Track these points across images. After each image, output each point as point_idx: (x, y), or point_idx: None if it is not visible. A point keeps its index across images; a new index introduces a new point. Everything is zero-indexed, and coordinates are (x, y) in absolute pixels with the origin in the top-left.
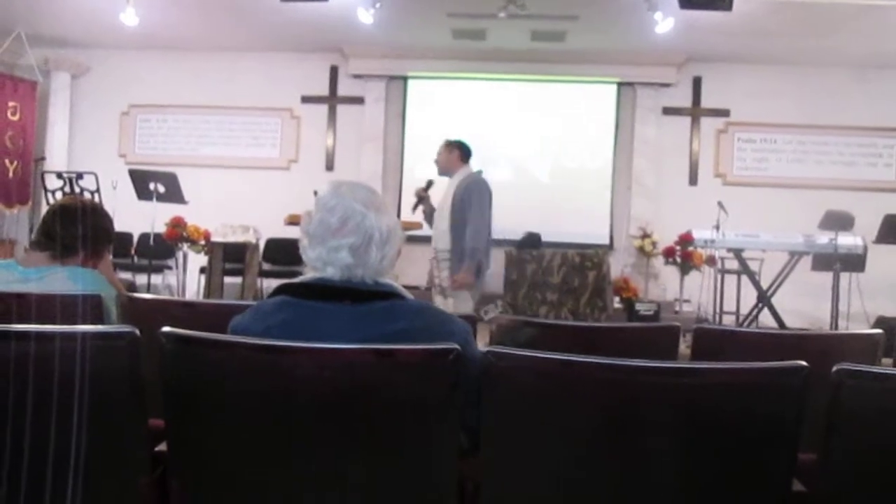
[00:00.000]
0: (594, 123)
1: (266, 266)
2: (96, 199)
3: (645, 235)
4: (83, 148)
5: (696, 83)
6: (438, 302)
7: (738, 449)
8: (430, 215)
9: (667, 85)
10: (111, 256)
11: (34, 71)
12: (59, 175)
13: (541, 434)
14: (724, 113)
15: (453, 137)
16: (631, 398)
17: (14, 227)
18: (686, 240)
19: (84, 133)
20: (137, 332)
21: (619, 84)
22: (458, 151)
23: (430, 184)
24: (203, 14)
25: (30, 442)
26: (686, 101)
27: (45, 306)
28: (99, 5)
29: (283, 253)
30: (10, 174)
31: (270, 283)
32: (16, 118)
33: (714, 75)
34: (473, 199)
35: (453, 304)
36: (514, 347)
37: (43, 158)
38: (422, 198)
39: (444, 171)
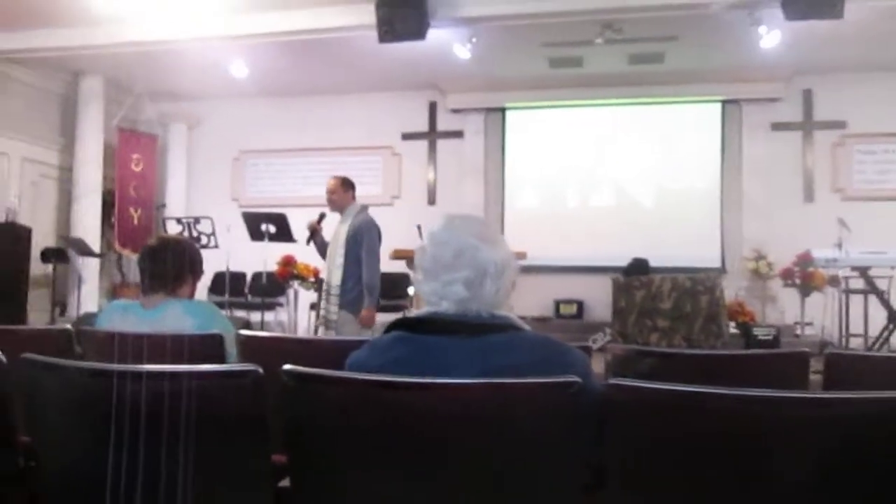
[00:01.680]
0: (698, 143)
1: None
2: (212, 241)
3: (759, 257)
4: (199, 193)
5: (807, 96)
6: (321, 334)
7: (885, 487)
8: (322, 248)
9: (775, 100)
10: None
11: (154, 124)
12: (179, 220)
13: (667, 468)
14: (839, 125)
15: (341, 174)
16: (767, 431)
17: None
18: (805, 260)
19: (199, 179)
20: (260, 370)
21: (724, 102)
22: (351, 190)
23: (322, 216)
24: (305, 60)
25: (157, 478)
26: (796, 116)
27: (170, 345)
28: (210, 60)
29: (389, 287)
30: (135, 221)
31: (379, 317)
32: (139, 169)
33: (826, 87)
34: (365, 237)
35: (344, 333)
36: (634, 379)
37: (164, 205)
38: (315, 231)
39: (338, 207)
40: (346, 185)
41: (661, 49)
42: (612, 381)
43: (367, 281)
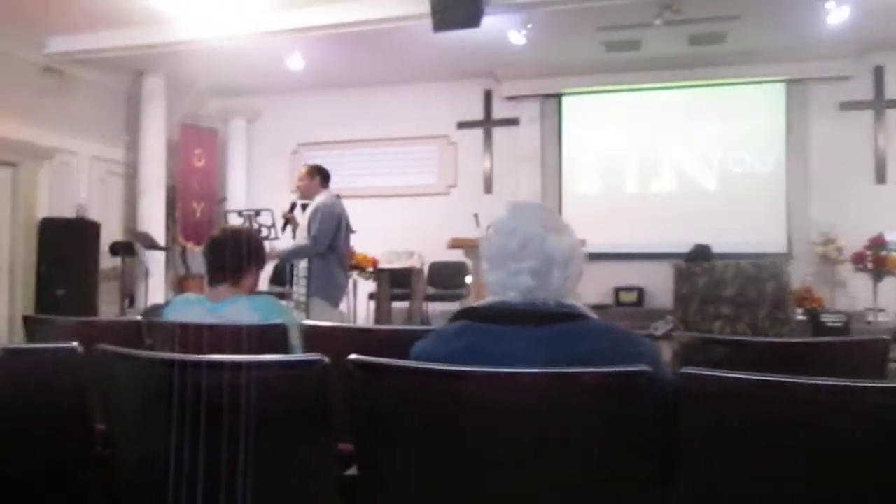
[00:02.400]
0: (762, 125)
1: (431, 290)
2: (272, 233)
3: (828, 241)
4: (259, 186)
5: (878, 73)
6: (295, 315)
7: None
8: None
9: (844, 78)
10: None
11: (214, 120)
12: (240, 213)
13: (742, 460)
14: None
15: (312, 163)
16: (850, 422)
17: (203, 263)
18: (878, 243)
19: (259, 173)
20: (326, 359)
21: (788, 82)
22: (318, 177)
23: (293, 206)
24: (360, 52)
25: (228, 466)
26: (867, 94)
27: (235, 336)
28: (268, 55)
29: (446, 276)
30: (198, 215)
31: (435, 307)
32: (200, 164)
33: None
34: (317, 218)
35: (313, 318)
36: (706, 368)
37: (225, 199)
38: (288, 219)
39: (305, 195)
40: (313, 172)
41: (722, 29)
42: (685, 370)
43: (294, 246)
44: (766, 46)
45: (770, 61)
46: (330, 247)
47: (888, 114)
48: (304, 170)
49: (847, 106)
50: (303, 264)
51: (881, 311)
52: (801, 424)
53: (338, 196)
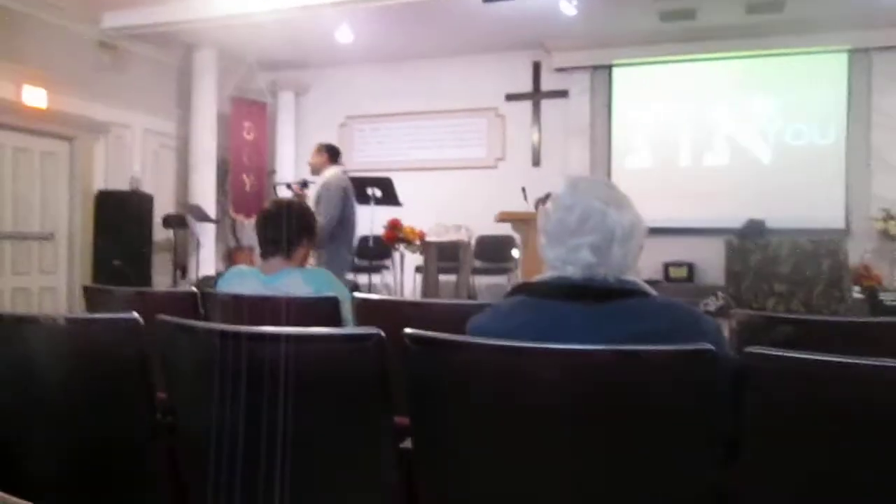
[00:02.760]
0: (822, 97)
1: (478, 263)
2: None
3: (889, 217)
4: (307, 159)
5: None
6: None
7: None
8: None
9: None
10: None
11: (264, 93)
12: (289, 186)
13: (808, 443)
14: None
15: (325, 141)
16: None
17: (253, 235)
18: None
19: (308, 146)
20: (382, 333)
21: (851, 51)
22: (326, 154)
23: (305, 183)
24: (409, 24)
25: (285, 437)
26: None
27: (289, 308)
28: (317, 27)
29: (493, 250)
30: (248, 188)
31: (482, 280)
32: (250, 137)
33: None
34: (323, 195)
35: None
36: (771, 347)
37: (274, 171)
38: (299, 196)
39: (315, 171)
40: (322, 150)
41: None
42: (749, 349)
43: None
44: (828, 14)
45: (831, 30)
46: (339, 221)
47: None
48: (314, 147)
49: None
50: None
51: None
52: (868, 407)
53: (345, 171)
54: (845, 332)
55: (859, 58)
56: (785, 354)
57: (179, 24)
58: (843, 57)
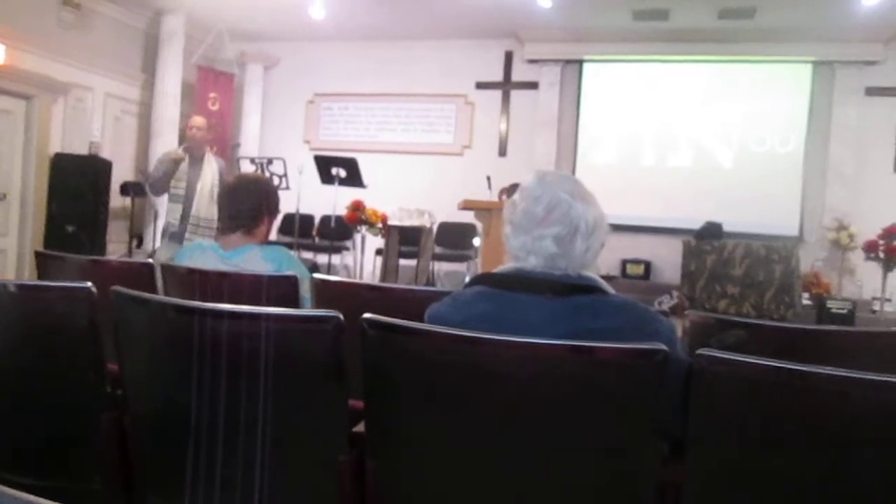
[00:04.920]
0: (785, 106)
1: (438, 249)
2: (283, 183)
3: (841, 227)
4: (273, 135)
5: None
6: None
7: None
8: (165, 180)
9: (871, 63)
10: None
11: (232, 64)
12: (252, 160)
13: (752, 445)
14: None
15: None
16: (861, 416)
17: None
18: (892, 233)
19: (274, 121)
20: (341, 316)
21: (815, 63)
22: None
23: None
24: (383, 4)
25: (236, 416)
26: (894, 81)
27: (248, 285)
28: (289, 0)
29: (455, 237)
30: None
31: (442, 267)
32: (216, 108)
33: None
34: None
35: None
36: (720, 350)
37: (238, 144)
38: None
39: (204, 146)
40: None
41: (752, 4)
42: (701, 351)
43: None
44: (796, 25)
45: (798, 40)
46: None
47: None
48: (205, 121)
49: (873, 91)
50: (212, 216)
51: (888, 300)
52: (814, 413)
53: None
54: (793, 339)
55: (823, 70)
56: (733, 358)
57: None
58: (808, 68)
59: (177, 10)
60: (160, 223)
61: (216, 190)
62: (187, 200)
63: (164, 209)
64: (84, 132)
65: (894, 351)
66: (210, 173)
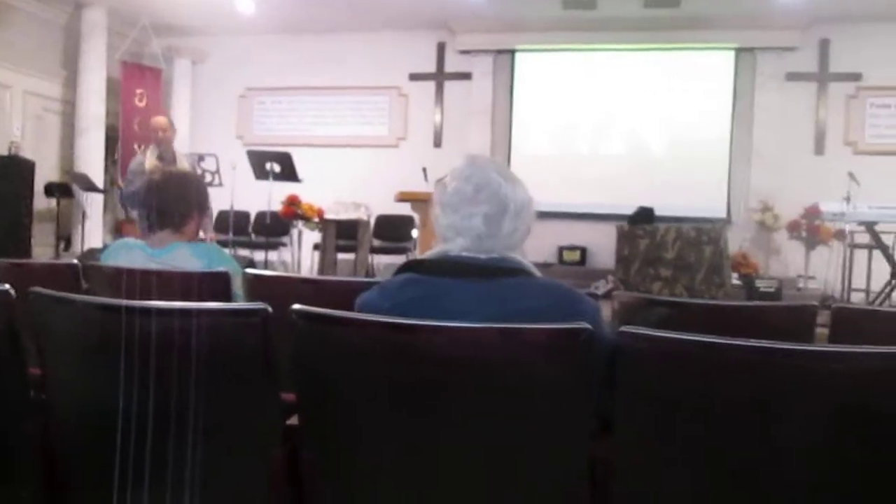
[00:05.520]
0: (711, 92)
1: (376, 242)
2: (216, 179)
3: (766, 209)
4: (204, 130)
5: (823, 46)
6: None
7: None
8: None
9: (790, 49)
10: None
11: (158, 59)
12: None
13: (676, 418)
14: (854, 77)
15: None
16: (778, 384)
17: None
18: (813, 213)
19: (204, 116)
20: (269, 308)
21: (738, 50)
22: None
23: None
24: None
25: (166, 413)
26: (812, 66)
27: (178, 282)
28: None
29: (393, 229)
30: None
31: (381, 260)
32: (142, 104)
33: (843, 37)
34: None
35: None
36: (645, 327)
37: None
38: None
39: (170, 144)
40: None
41: None
42: (623, 328)
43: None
44: (719, 13)
45: (721, 28)
46: None
47: (831, 87)
48: (167, 121)
49: (792, 77)
50: None
51: (811, 278)
52: (733, 384)
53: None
54: (716, 315)
55: (745, 56)
56: (654, 334)
57: None
58: (731, 55)
59: (97, 3)
60: (89, 225)
61: None
62: None
63: (93, 210)
64: (3, 132)
65: (805, 322)
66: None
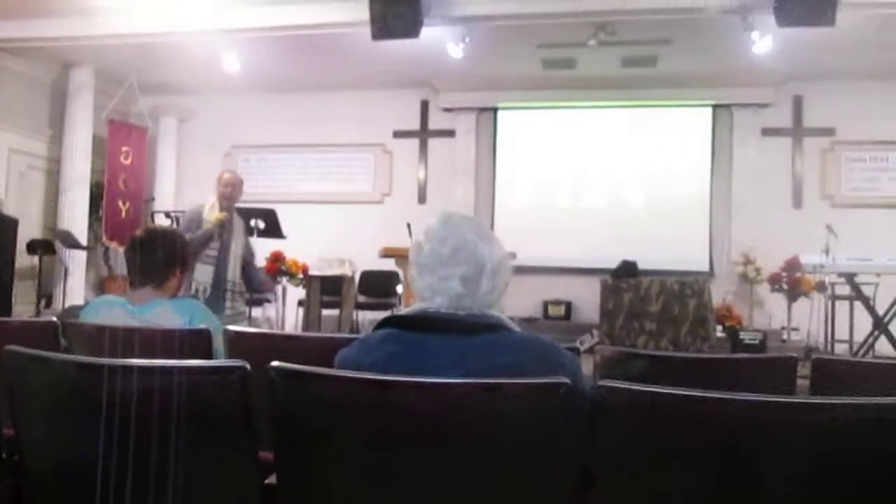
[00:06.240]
0: (689, 148)
1: (361, 298)
2: None
3: (748, 262)
4: (189, 188)
5: (797, 102)
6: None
7: (877, 495)
8: (205, 243)
9: (765, 105)
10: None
11: (144, 117)
12: (167, 214)
13: (656, 471)
14: (828, 132)
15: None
16: (759, 435)
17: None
18: (793, 265)
19: (190, 174)
20: (248, 366)
21: (715, 106)
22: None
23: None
24: (298, 56)
25: (144, 472)
26: (786, 122)
27: (159, 340)
28: (203, 53)
29: (378, 285)
30: (123, 215)
31: (366, 315)
32: (128, 162)
33: (816, 93)
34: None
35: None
36: (624, 381)
37: (152, 199)
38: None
39: (235, 201)
40: (242, 183)
41: (653, 52)
42: (602, 382)
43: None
44: (695, 71)
45: (698, 86)
46: None
47: (805, 141)
48: (237, 176)
49: (768, 132)
50: (237, 277)
51: (794, 329)
52: (712, 436)
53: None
54: (696, 368)
55: (722, 113)
56: (632, 387)
57: (55, 41)
58: (708, 111)
59: (85, 63)
60: (71, 282)
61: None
62: (221, 263)
63: (76, 267)
64: None
65: (786, 374)
66: (240, 229)
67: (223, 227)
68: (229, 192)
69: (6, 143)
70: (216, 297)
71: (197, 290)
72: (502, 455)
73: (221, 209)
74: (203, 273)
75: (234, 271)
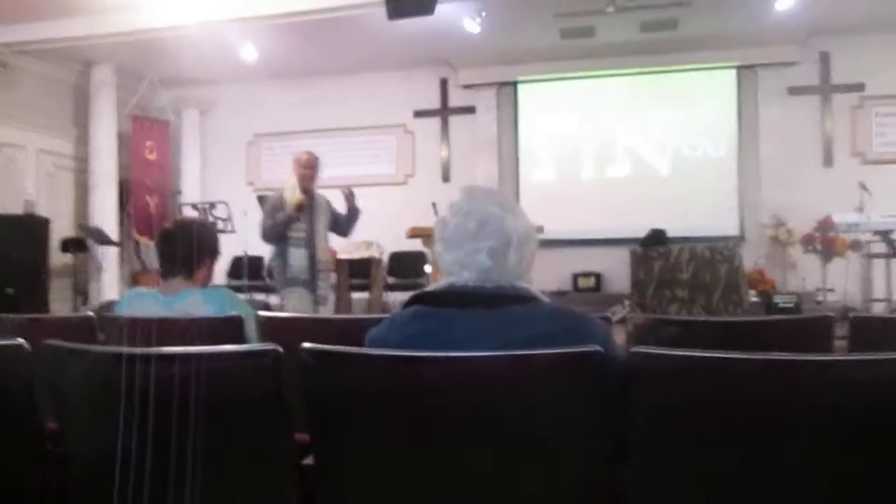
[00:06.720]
0: (714, 111)
1: (390, 280)
2: (228, 226)
3: (779, 224)
4: (214, 179)
5: (824, 58)
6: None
7: None
8: (286, 225)
9: (791, 64)
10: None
11: (166, 111)
12: (195, 206)
13: (692, 436)
14: (857, 87)
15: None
16: (791, 395)
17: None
18: (826, 225)
19: (214, 165)
20: (280, 349)
21: (739, 67)
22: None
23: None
24: (314, 41)
25: (183, 458)
26: (814, 79)
27: (191, 329)
28: (220, 44)
29: (406, 266)
30: (152, 209)
31: (396, 297)
32: (153, 157)
33: (844, 48)
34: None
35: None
36: (658, 347)
37: (179, 192)
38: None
39: (312, 188)
40: (320, 163)
41: (673, 15)
42: (635, 349)
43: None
44: (717, 32)
45: (720, 47)
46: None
47: (834, 98)
48: (315, 158)
49: (795, 91)
50: (326, 256)
51: (830, 290)
52: (746, 399)
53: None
54: (729, 331)
55: (746, 74)
56: (665, 352)
57: (75, 40)
58: (732, 73)
59: (105, 61)
60: (105, 278)
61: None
62: (310, 243)
63: (109, 263)
64: (18, 191)
65: (822, 334)
66: (326, 210)
67: (301, 210)
68: (309, 173)
69: (34, 144)
70: (312, 278)
71: (293, 277)
72: (535, 426)
73: (302, 190)
74: (298, 258)
75: (323, 250)
